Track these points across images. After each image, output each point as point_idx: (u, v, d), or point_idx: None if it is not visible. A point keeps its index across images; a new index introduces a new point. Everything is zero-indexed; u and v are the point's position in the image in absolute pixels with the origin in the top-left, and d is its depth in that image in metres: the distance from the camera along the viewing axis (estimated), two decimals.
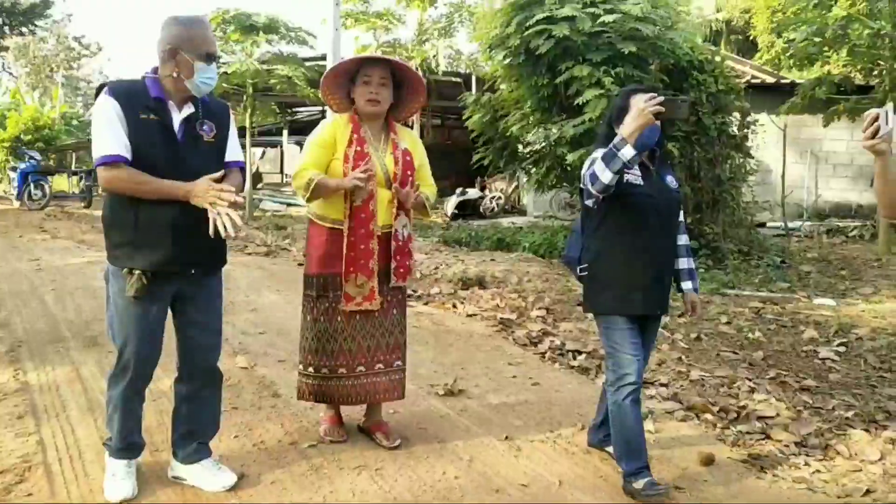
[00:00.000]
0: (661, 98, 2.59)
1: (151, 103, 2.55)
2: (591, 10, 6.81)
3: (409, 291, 6.42)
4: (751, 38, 23.14)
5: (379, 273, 3.12)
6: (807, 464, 3.34)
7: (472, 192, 13.62)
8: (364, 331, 3.16)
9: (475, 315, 5.77)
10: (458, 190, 13.82)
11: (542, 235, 9.04)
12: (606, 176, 2.60)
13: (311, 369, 3.20)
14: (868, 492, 3.06)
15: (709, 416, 3.86)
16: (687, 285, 3.03)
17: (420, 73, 13.08)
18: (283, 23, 12.19)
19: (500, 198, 13.69)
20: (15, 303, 5.62)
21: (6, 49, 27.23)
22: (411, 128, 5.82)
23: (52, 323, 5.07)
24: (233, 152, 2.78)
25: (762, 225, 12.32)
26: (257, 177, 15.65)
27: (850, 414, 3.91)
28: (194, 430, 2.84)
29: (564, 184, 8.28)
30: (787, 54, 10.28)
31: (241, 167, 2.84)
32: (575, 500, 2.87)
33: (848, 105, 10.34)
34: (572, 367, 4.64)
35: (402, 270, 3.21)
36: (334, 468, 3.01)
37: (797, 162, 13.26)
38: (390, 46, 13.98)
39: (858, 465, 3.32)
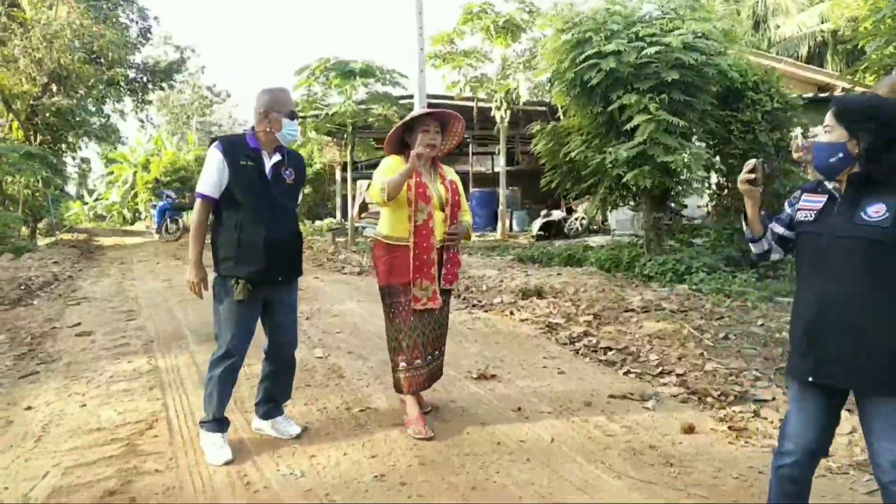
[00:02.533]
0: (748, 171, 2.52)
1: (251, 152, 3.43)
2: (637, 43, 7.42)
3: (475, 300, 7.25)
4: (860, 47, 22.36)
5: (437, 279, 3.80)
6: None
7: (557, 214, 14.25)
8: (430, 326, 3.82)
9: (527, 320, 6.49)
10: (543, 212, 14.50)
11: (610, 251, 9.56)
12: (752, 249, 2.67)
13: (403, 364, 3.77)
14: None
15: (709, 399, 4.38)
16: None
17: (500, 107, 13.94)
18: (378, 67, 13.41)
19: (584, 218, 14.22)
20: (150, 312, 6.96)
21: (150, 102, 30.61)
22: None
23: (176, 325, 6.31)
24: (300, 196, 3.81)
25: None
26: (363, 206, 17.02)
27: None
28: (272, 395, 3.73)
29: (629, 202, 8.78)
30: (863, 67, 10.25)
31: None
32: (561, 452, 3.56)
33: None
34: (601, 361, 5.26)
35: (449, 276, 3.89)
36: (375, 425, 3.88)
37: None
38: (477, 82, 14.94)
39: None
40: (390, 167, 3.77)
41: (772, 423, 3.99)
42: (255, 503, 3.02)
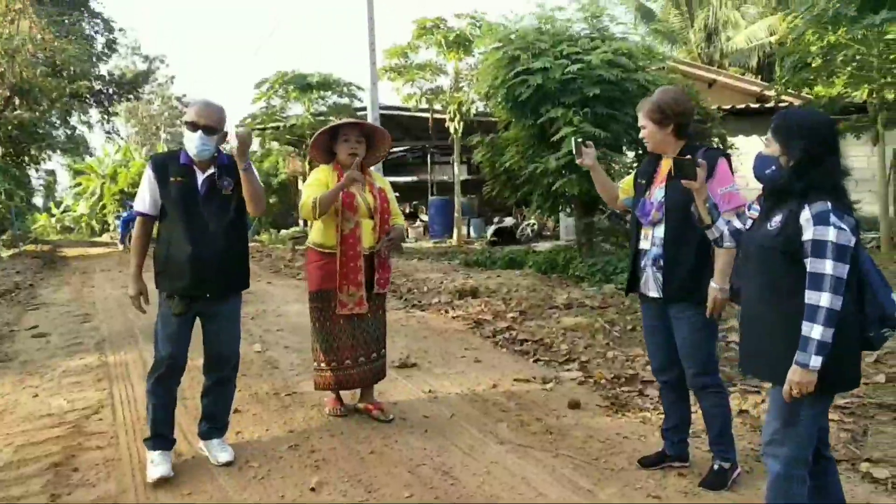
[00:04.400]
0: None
1: (180, 168, 3.37)
2: (563, 61, 8.03)
3: (414, 301, 7.75)
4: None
5: (365, 284, 3.94)
6: (656, 408, 4.37)
7: (508, 221, 14.86)
8: (358, 330, 3.97)
9: (458, 317, 7.02)
10: (496, 219, 15.11)
11: (548, 255, 10.15)
12: None
13: (322, 364, 3.99)
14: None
15: (602, 381, 4.93)
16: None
17: (454, 117, 14.48)
18: (335, 80, 13.92)
19: (534, 225, 14.83)
20: (105, 315, 7.38)
21: (116, 114, 30.75)
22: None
23: (128, 326, 6.73)
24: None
25: None
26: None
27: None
28: (211, 413, 3.62)
29: (564, 209, 9.37)
30: (783, 80, 11.01)
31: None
32: (457, 425, 4.08)
33: (849, 123, 10.96)
34: (516, 351, 5.81)
35: (382, 281, 4.04)
36: (297, 407, 4.38)
37: None
38: (433, 94, 15.52)
39: None
40: (319, 180, 3.92)
41: (651, 399, 4.54)
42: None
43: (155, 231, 3.55)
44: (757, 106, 13.45)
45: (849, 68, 10.10)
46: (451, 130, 14.95)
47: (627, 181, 3.55)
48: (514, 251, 10.92)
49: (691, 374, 3.26)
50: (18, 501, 3.20)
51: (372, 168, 4.28)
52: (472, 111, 14.11)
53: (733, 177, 3.27)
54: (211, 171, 3.42)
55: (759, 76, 23.50)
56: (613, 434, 3.95)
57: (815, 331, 2.24)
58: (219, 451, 3.58)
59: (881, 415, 4.04)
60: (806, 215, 2.29)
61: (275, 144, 16.81)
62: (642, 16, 26.59)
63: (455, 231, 15.87)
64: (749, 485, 3.27)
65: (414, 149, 21.52)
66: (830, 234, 2.24)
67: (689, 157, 2.83)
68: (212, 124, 3.35)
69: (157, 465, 3.38)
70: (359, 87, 14.32)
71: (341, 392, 4.23)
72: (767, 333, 2.45)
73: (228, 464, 3.52)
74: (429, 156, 19.81)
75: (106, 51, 25.33)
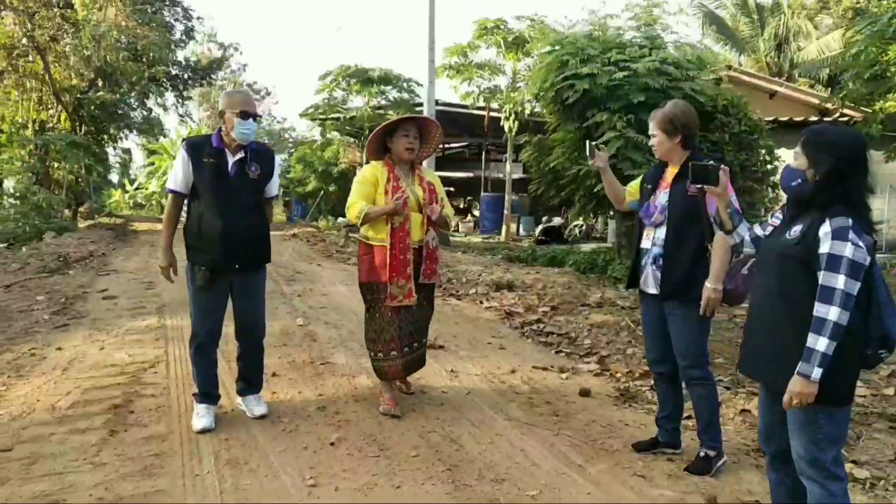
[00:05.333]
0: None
1: (212, 151, 3.68)
2: (610, 67, 8.25)
3: (452, 290, 8.12)
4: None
5: (414, 276, 4.02)
6: None
7: (557, 220, 15.06)
8: (406, 321, 4.06)
9: (491, 308, 7.36)
10: (545, 218, 15.34)
11: (588, 255, 10.36)
12: None
13: (380, 354, 4.07)
14: (689, 417, 4.33)
15: (618, 375, 5.20)
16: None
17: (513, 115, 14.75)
18: (395, 76, 14.39)
19: (582, 226, 14.99)
20: (167, 283, 7.93)
21: (190, 98, 32.05)
22: None
23: (185, 295, 7.25)
24: (271, 189, 3.92)
25: None
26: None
27: (727, 380, 5.08)
28: (244, 375, 4.02)
29: (601, 212, 9.56)
30: (840, 95, 10.90)
31: (274, 197, 4.07)
32: (471, 401, 4.43)
33: None
34: (541, 342, 6.11)
35: (428, 272, 4.10)
36: (329, 375, 4.81)
37: (876, 196, 13.50)
38: (490, 93, 15.84)
39: None
40: (367, 179, 4.02)
41: None
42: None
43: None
44: (816, 119, 13.27)
45: None
46: (506, 129, 15.24)
47: (634, 185, 3.83)
48: (558, 250, 11.16)
49: (683, 367, 3.53)
50: (83, 432, 3.71)
51: (423, 163, 4.35)
52: (527, 111, 14.36)
53: (731, 188, 3.51)
54: (241, 154, 3.73)
55: (830, 89, 22.90)
56: (616, 421, 4.24)
57: (819, 343, 2.26)
58: (255, 406, 3.98)
59: (878, 423, 4.19)
60: (826, 228, 2.31)
61: (335, 134, 17.42)
62: (710, 23, 26.22)
63: (504, 228, 16.17)
64: (733, 473, 3.51)
65: (471, 145, 21.89)
66: (847, 251, 2.26)
67: (711, 162, 2.87)
68: (257, 112, 3.79)
69: (201, 416, 3.79)
70: (418, 83, 14.76)
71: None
72: (777, 342, 2.46)
73: (262, 417, 3.93)
74: (483, 153, 20.12)
75: (184, 38, 26.56)
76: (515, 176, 16.88)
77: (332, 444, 3.65)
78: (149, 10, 17.42)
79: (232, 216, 3.67)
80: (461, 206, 22.24)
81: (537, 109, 14.75)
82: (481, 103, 16.13)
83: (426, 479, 3.28)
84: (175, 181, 3.74)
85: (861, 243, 2.28)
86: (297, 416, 4.04)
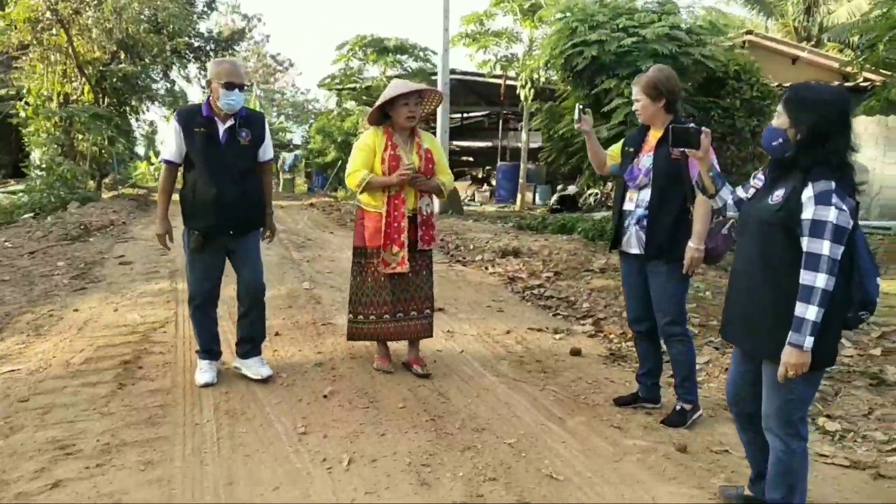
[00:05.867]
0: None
1: (203, 120, 3.76)
2: (619, 34, 8.23)
3: (459, 257, 8.26)
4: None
5: (410, 243, 4.06)
6: None
7: (571, 189, 15.06)
8: (400, 287, 4.12)
9: (495, 273, 7.50)
10: (560, 186, 15.35)
11: (597, 223, 10.40)
12: None
13: (360, 317, 4.17)
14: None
15: (611, 336, 5.33)
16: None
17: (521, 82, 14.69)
18: (411, 45, 14.41)
19: (597, 194, 14.96)
20: (180, 250, 8.22)
21: None
22: None
23: None
24: (264, 153, 4.00)
25: None
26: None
27: (717, 340, 5.17)
28: (248, 334, 4.07)
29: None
30: (861, 59, 10.73)
31: (270, 162, 4.14)
32: (464, 359, 4.60)
33: None
34: (540, 306, 6.25)
35: (426, 238, 4.14)
36: (329, 335, 5.01)
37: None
38: (507, 61, 15.79)
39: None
40: (367, 145, 4.06)
41: None
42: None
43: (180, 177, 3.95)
44: (837, 84, 13.04)
45: None
46: (522, 97, 15.20)
47: (615, 149, 3.92)
48: (568, 218, 11.20)
49: (663, 324, 3.65)
50: (94, 385, 3.96)
51: (422, 130, 4.29)
52: (542, 79, 14.29)
53: (713, 152, 3.59)
54: (231, 122, 3.80)
55: (860, 53, 22.36)
56: (602, 378, 4.38)
57: (809, 311, 2.24)
58: (260, 367, 4.05)
59: (859, 381, 4.29)
60: (808, 193, 2.27)
61: (352, 104, 17.52)
62: None
63: (519, 196, 16.21)
64: (707, 426, 3.66)
65: (491, 114, 21.83)
66: (831, 215, 2.21)
67: (692, 124, 2.90)
68: (244, 82, 3.85)
69: (204, 371, 3.99)
70: (433, 52, 14.75)
71: (390, 347, 4.39)
72: (759, 309, 2.45)
73: (269, 378, 4.01)
74: (500, 122, 20.08)
75: (206, 10, 26.69)
76: (533, 145, 16.87)
77: (325, 396, 3.85)
78: None
79: (224, 182, 3.77)
80: (480, 175, 22.26)
81: (553, 77, 14.69)
82: (498, 72, 16.08)
83: (410, 427, 3.47)
84: (169, 151, 3.87)
85: (844, 207, 2.24)
86: (295, 372, 4.25)
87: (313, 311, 5.67)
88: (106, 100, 17.96)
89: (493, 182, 19.78)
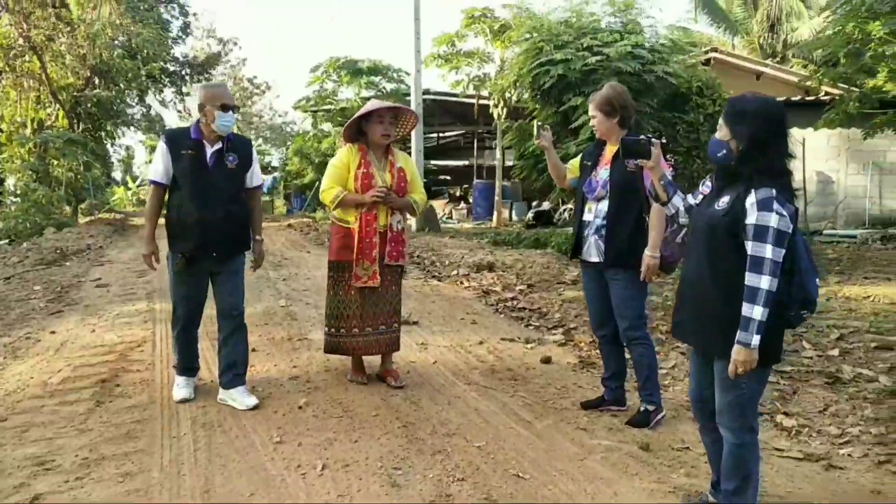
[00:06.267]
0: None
1: (191, 143, 3.82)
2: (584, 53, 8.50)
3: (434, 273, 8.38)
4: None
5: (380, 259, 4.18)
6: None
7: (546, 205, 15.32)
8: (370, 301, 4.21)
9: (470, 287, 7.64)
10: (535, 203, 15.60)
11: (570, 237, 10.58)
12: None
13: (332, 330, 4.26)
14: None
15: (581, 344, 5.48)
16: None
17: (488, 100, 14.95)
18: (385, 66, 14.63)
19: (572, 209, 15.21)
20: (157, 272, 8.26)
21: (188, 94, 32.35)
22: None
23: None
24: (254, 178, 4.05)
25: (818, 233, 12.98)
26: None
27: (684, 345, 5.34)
28: (231, 361, 4.01)
29: None
30: (819, 74, 11.09)
31: (260, 188, 4.21)
32: (436, 370, 4.72)
33: (885, 118, 10.97)
34: (513, 317, 6.39)
35: (394, 254, 4.23)
36: (304, 349, 5.11)
37: (859, 173, 13.70)
38: (480, 81, 16.07)
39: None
40: (342, 162, 4.16)
41: None
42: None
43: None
44: (797, 98, 13.47)
45: (883, 63, 10.12)
46: (495, 116, 15.46)
47: (574, 163, 4.10)
48: (542, 233, 11.41)
49: (623, 329, 3.81)
50: (72, 404, 4.02)
51: (396, 149, 4.41)
52: (514, 98, 14.56)
53: (667, 164, 3.77)
54: (218, 146, 3.85)
55: (822, 69, 22.99)
56: (571, 384, 4.53)
57: (755, 311, 2.37)
58: (245, 397, 3.96)
59: (815, 380, 4.47)
60: (751, 199, 2.40)
61: (328, 126, 17.68)
62: (704, 5, 26.27)
63: (495, 213, 16.41)
64: (670, 426, 3.81)
65: (467, 133, 22.12)
66: (773, 221, 2.36)
67: (642, 137, 3.03)
68: (236, 104, 3.94)
69: (181, 388, 4.05)
70: (407, 73, 14.99)
71: (364, 359, 4.45)
72: (708, 309, 2.58)
73: (255, 408, 3.88)
74: (474, 141, 20.35)
75: (181, 34, 26.82)
76: (508, 162, 17.11)
77: (300, 407, 3.95)
78: (142, 8, 17.66)
79: (210, 206, 3.80)
80: (458, 193, 22.50)
81: (525, 96, 14.97)
82: (471, 91, 16.35)
83: (382, 434, 3.58)
84: (156, 172, 3.87)
85: (785, 212, 2.38)
86: (271, 385, 4.34)
87: (289, 327, 5.76)
88: (81, 125, 17.99)
89: (471, 200, 20.01)
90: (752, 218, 2.40)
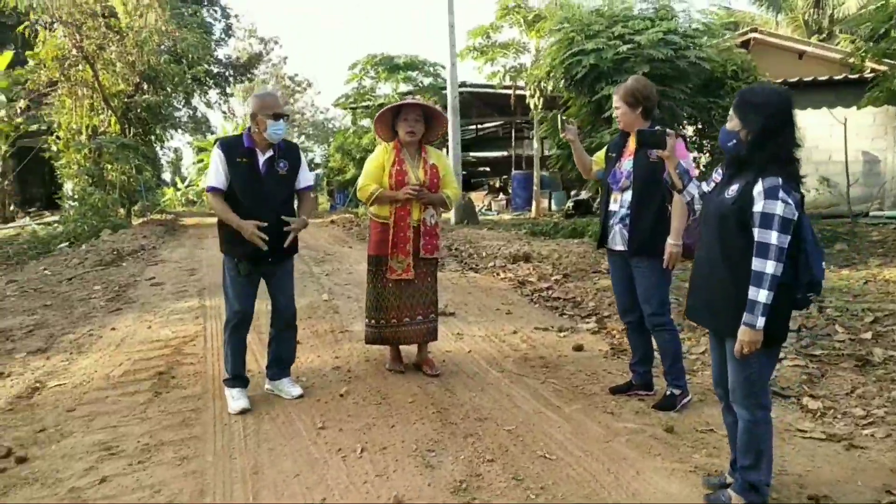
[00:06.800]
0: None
1: (245, 151, 3.95)
2: (615, 41, 8.53)
3: (471, 264, 8.57)
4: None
5: (415, 252, 4.39)
6: None
7: (584, 194, 15.31)
8: (406, 293, 4.41)
9: (506, 278, 7.81)
10: (574, 192, 15.61)
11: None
12: None
13: (372, 321, 4.48)
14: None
15: (614, 332, 5.60)
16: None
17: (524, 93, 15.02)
18: (421, 61, 14.82)
19: None
20: (207, 270, 8.72)
21: (231, 95, 33.12)
22: None
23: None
24: (303, 180, 4.15)
25: (865, 214, 12.71)
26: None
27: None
28: (279, 356, 4.26)
29: None
30: (861, 51, 10.86)
31: (310, 189, 4.25)
32: (471, 358, 4.92)
33: None
34: (547, 307, 6.54)
35: (428, 247, 4.40)
36: (346, 341, 5.36)
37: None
38: (516, 71, 16.14)
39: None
40: (377, 160, 4.38)
41: None
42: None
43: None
44: (840, 77, 13.17)
45: None
46: (532, 106, 15.52)
47: (599, 155, 4.23)
48: (579, 223, 11.48)
49: (648, 315, 3.94)
50: (133, 394, 4.35)
51: (430, 147, 4.56)
52: (549, 88, 14.59)
53: (687, 153, 3.88)
54: (270, 153, 3.99)
55: (873, 44, 22.25)
56: (601, 370, 4.67)
57: (760, 295, 2.49)
58: (291, 388, 4.21)
59: (845, 363, 4.52)
60: (759, 188, 2.52)
61: (367, 122, 17.98)
62: None
63: (534, 204, 16.49)
64: (696, 409, 3.93)
65: (505, 124, 22.19)
66: (778, 208, 2.47)
67: (658, 128, 3.21)
68: (287, 112, 4.10)
69: (236, 399, 4.05)
70: (443, 67, 15.16)
71: (402, 349, 4.69)
72: (719, 292, 2.70)
73: (300, 397, 4.15)
74: (512, 132, 20.41)
75: (224, 36, 27.57)
76: (547, 152, 17.14)
77: (341, 395, 4.19)
78: (186, 13, 18.22)
79: (264, 211, 3.90)
80: (497, 184, 22.58)
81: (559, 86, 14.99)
82: (508, 82, 16.43)
83: (418, 419, 3.79)
84: (217, 179, 3.93)
85: (790, 200, 2.49)
86: (315, 375, 4.60)
87: (332, 320, 6.03)
88: (132, 130, 18.68)
89: (510, 191, 20.09)
90: (759, 206, 2.52)
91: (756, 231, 2.53)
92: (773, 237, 2.48)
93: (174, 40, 17.41)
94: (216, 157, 3.95)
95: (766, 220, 2.50)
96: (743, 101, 2.66)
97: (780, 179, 2.52)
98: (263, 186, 3.95)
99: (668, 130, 3.12)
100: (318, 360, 4.95)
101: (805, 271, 2.62)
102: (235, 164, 3.92)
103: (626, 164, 3.96)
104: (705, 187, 2.94)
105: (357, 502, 2.93)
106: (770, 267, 2.49)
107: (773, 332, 2.62)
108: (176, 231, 15.16)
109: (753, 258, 2.52)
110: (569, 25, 9.14)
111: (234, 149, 3.96)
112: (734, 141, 2.66)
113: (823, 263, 2.70)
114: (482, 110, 20.76)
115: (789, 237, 2.51)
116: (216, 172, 3.94)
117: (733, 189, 2.65)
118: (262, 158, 3.98)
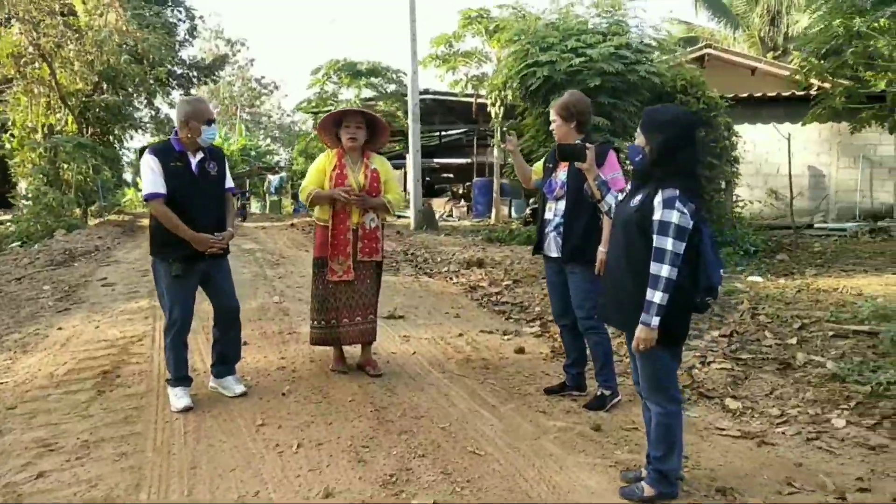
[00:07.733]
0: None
1: (177, 155, 4.02)
2: (569, 54, 8.78)
3: (426, 269, 8.69)
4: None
5: (353, 255, 4.50)
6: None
7: None
8: (346, 294, 4.52)
9: (458, 283, 7.96)
10: (532, 200, 15.85)
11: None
12: None
13: (316, 322, 4.59)
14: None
15: (556, 336, 5.77)
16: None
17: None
18: (384, 67, 14.94)
19: None
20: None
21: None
22: None
23: None
24: (228, 181, 4.30)
25: (809, 226, 13.20)
26: None
27: None
28: (223, 355, 4.33)
29: None
30: (804, 70, 11.28)
31: (232, 190, 4.37)
32: (415, 360, 5.05)
33: (871, 113, 11.16)
34: (495, 311, 6.71)
35: (366, 250, 4.52)
36: (293, 342, 5.45)
37: (850, 167, 13.90)
38: (478, 80, 16.36)
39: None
40: (320, 165, 4.54)
41: None
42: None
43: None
44: (788, 94, 13.65)
45: (861, 60, 10.32)
46: (493, 115, 15.74)
47: (538, 166, 4.41)
48: (533, 230, 11.66)
49: (581, 318, 4.12)
50: (76, 393, 4.38)
51: (373, 154, 4.66)
52: (509, 97, 14.84)
53: (618, 165, 4.08)
54: (200, 156, 4.08)
55: (823, 62, 22.98)
56: (539, 372, 4.84)
57: (656, 296, 2.70)
58: (234, 385, 4.31)
59: (769, 366, 4.76)
60: (658, 198, 2.74)
61: None
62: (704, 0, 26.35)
63: (494, 211, 16.71)
64: (625, 409, 4.12)
65: (469, 132, 22.41)
66: (674, 217, 2.69)
67: (578, 142, 3.46)
68: (216, 117, 4.24)
69: (179, 398, 4.10)
70: (405, 74, 15.28)
71: (345, 350, 4.80)
72: (625, 294, 2.90)
73: (243, 395, 4.24)
74: (474, 139, 20.65)
75: (188, 37, 27.25)
76: (509, 160, 17.37)
77: (283, 394, 4.29)
78: (147, 14, 18.05)
79: (201, 211, 4.01)
80: (460, 191, 22.79)
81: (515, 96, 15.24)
82: (470, 90, 16.65)
83: (356, 417, 3.91)
84: (156, 185, 3.94)
85: (685, 210, 2.70)
86: (259, 375, 4.69)
87: (281, 322, 6.11)
88: (90, 129, 18.40)
89: (472, 197, 20.28)
90: (657, 214, 2.73)
91: (654, 237, 2.73)
92: (669, 243, 2.69)
93: (136, 41, 17.24)
94: (150, 164, 3.96)
95: (664, 228, 2.71)
96: (648, 120, 2.87)
97: (678, 191, 2.72)
98: (199, 188, 4.04)
99: (587, 144, 3.35)
100: (264, 360, 5.03)
101: (704, 277, 2.84)
102: (170, 168, 3.97)
103: (562, 174, 4.14)
104: (620, 197, 3.14)
105: (288, 495, 3.04)
106: (665, 271, 2.69)
107: (673, 331, 2.84)
108: (134, 232, 14.98)
109: (651, 262, 2.72)
110: (525, 37, 9.37)
111: (166, 154, 4.01)
112: (640, 156, 2.88)
113: (721, 271, 2.93)
114: (446, 117, 20.96)
115: (685, 244, 2.72)
116: (153, 179, 3.95)
117: (637, 199, 2.87)
118: (194, 161, 4.06)
